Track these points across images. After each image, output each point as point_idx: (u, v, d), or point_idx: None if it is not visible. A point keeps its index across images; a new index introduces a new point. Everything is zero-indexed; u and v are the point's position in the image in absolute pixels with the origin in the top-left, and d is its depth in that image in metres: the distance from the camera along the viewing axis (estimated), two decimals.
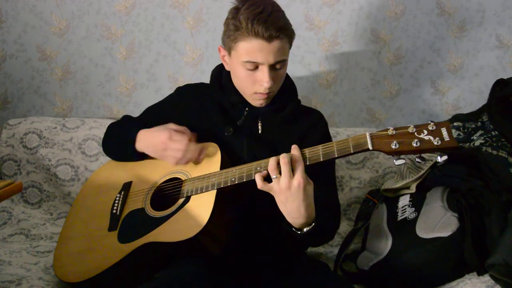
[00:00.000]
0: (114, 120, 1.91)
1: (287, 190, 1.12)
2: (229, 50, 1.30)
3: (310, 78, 1.99)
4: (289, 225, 1.20)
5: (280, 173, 1.13)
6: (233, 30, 1.25)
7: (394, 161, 1.10)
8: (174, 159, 1.30)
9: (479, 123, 1.78)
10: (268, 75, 1.26)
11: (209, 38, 1.95)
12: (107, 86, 1.98)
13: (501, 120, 1.68)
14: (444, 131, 1.06)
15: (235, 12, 1.26)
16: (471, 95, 2.02)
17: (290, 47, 1.31)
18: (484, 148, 1.61)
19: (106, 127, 1.83)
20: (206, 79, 1.48)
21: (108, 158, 1.57)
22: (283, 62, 1.28)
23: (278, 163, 1.15)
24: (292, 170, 1.13)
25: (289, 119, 1.40)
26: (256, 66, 1.26)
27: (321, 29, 1.94)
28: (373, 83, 2.01)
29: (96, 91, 1.99)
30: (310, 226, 1.18)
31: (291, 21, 1.30)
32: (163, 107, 1.49)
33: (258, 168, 1.20)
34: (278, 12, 1.26)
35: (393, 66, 2.00)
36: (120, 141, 1.45)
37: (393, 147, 1.08)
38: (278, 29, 1.22)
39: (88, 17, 1.92)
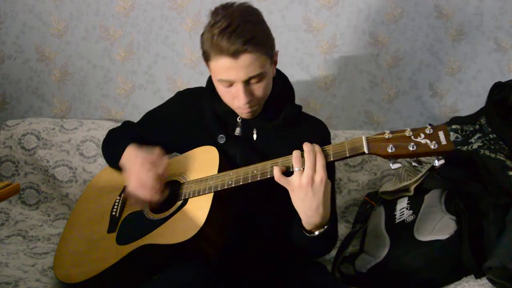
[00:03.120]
0: (113, 122, 1.91)
1: (308, 185, 1.09)
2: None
3: (309, 80, 1.99)
4: (301, 226, 1.18)
5: (303, 167, 1.10)
6: (202, 48, 1.21)
7: (391, 164, 1.10)
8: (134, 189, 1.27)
9: (477, 126, 1.78)
10: (242, 91, 1.19)
11: None
12: (105, 87, 1.98)
13: (499, 123, 1.68)
14: (441, 135, 1.06)
15: (205, 29, 1.20)
16: (469, 98, 2.02)
17: (271, 58, 1.23)
18: (482, 151, 1.61)
19: (104, 129, 1.86)
20: (205, 81, 1.47)
21: None
22: (259, 76, 1.20)
23: (302, 156, 1.13)
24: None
25: (284, 126, 1.34)
26: (230, 84, 1.21)
27: (320, 32, 1.94)
28: (371, 86, 2.01)
29: (94, 93, 1.98)
30: (323, 229, 1.16)
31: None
32: (162, 112, 1.47)
33: (255, 171, 1.19)
34: (247, 24, 1.15)
35: (391, 68, 2.00)
36: (111, 152, 1.45)
37: (389, 150, 1.08)
38: (244, 42, 1.13)
39: (86, 18, 1.92)
